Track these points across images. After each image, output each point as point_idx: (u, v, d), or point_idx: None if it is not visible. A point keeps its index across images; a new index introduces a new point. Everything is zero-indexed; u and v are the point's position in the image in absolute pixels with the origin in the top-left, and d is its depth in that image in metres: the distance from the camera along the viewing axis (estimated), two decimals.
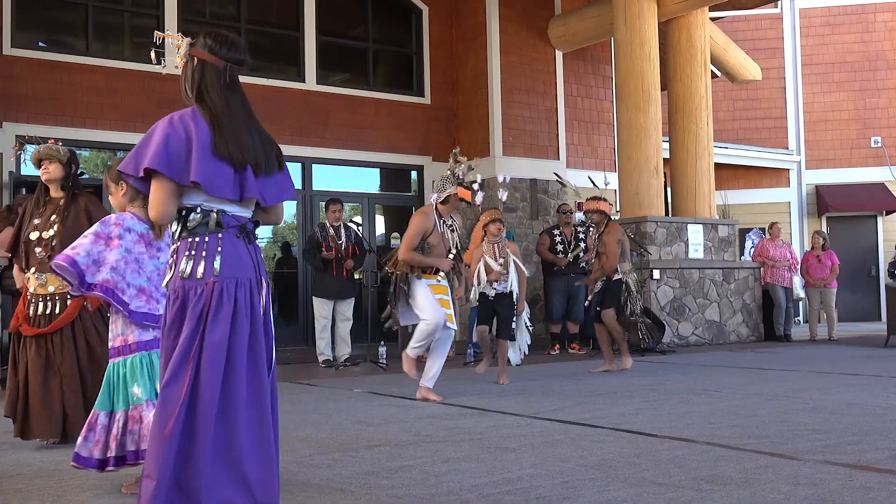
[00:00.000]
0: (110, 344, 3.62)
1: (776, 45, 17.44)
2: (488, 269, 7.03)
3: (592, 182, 8.45)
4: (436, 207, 6.39)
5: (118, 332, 3.60)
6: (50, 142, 4.87)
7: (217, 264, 2.64)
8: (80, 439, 3.53)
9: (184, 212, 2.68)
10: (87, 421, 3.57)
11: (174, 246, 2.72)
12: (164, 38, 2.89)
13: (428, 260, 6.23)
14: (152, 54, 2.92)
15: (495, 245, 7.04)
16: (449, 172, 6.49)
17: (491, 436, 4.67)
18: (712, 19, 14.01)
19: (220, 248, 2.66)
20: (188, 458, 2.52)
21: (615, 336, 8.11)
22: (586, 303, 8.35)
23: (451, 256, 6.33)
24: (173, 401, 2.54)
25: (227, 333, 2.59)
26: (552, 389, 6.75)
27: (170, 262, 2.73)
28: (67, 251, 3.55)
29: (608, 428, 4.84)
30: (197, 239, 2.66)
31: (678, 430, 4.70)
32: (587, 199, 8.17)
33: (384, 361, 8.87)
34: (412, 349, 6.29)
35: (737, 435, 4.52)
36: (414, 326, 6.40)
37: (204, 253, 2.65)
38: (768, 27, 17.51)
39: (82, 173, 4.99)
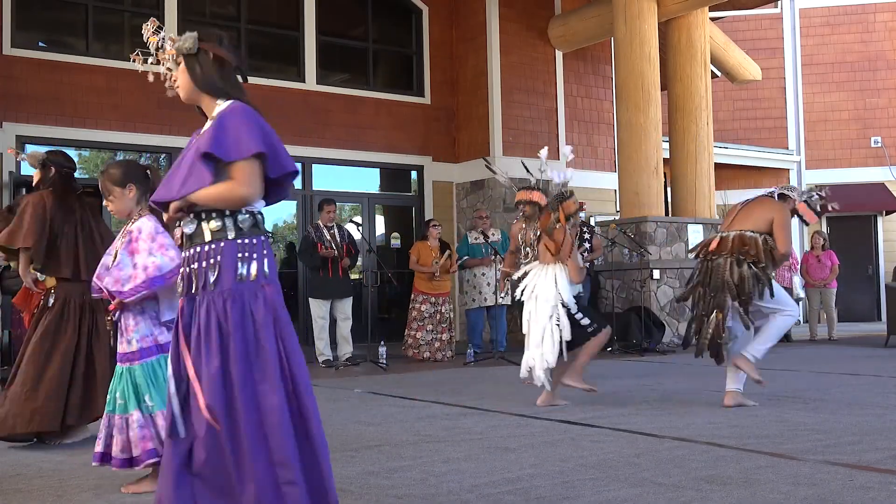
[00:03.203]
0: (138, 345, 3.59)
1: (776, 45, 17.44)
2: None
3: (526, 169, 7.68)
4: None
5: (146, 332, 3.59)
6: (17, 154, 5.03)
7: (267, 267, 2.60)
8: (100, 439, 3.56)
9: (227, 211, 2.60)
10: (103, 423, 3.59)
11: (211, 247, 2.59)
12: (153, 31, 2.85)
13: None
14: (138, 58, 2.86)
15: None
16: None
17: (491, 436, 4.67)
18: (712, 19, 14.01)
19: (265, 251, 2.63)
20: (315, 463, 2.55)
21: None
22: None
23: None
24: (280, 412, 2.49)
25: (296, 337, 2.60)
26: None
27: (204, 264, 2.58)
28: (175, 257, 3.52)
29: (608, 428, 4.84)
30: (247, 240, 2.59)
31: (678, 430, 4.70)
32: (519, 189, 7.14)
33: (384, 361, 8.88)
34: (763, 350, 5.52)
35: (737, 435, 4.52)
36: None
37: (256, 255, 2.59)
38: (768, 27, 17.51)
39: (69, 171, 5.00)
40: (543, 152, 6.49)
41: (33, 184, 4.97)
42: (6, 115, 10.13)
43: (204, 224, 2.60)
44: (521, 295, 5.92)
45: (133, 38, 11.39)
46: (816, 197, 5.86)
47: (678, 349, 10.64)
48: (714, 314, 5.51)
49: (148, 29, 2.80)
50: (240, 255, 2.57)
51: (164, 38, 2.76)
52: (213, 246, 2.58)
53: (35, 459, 4.25)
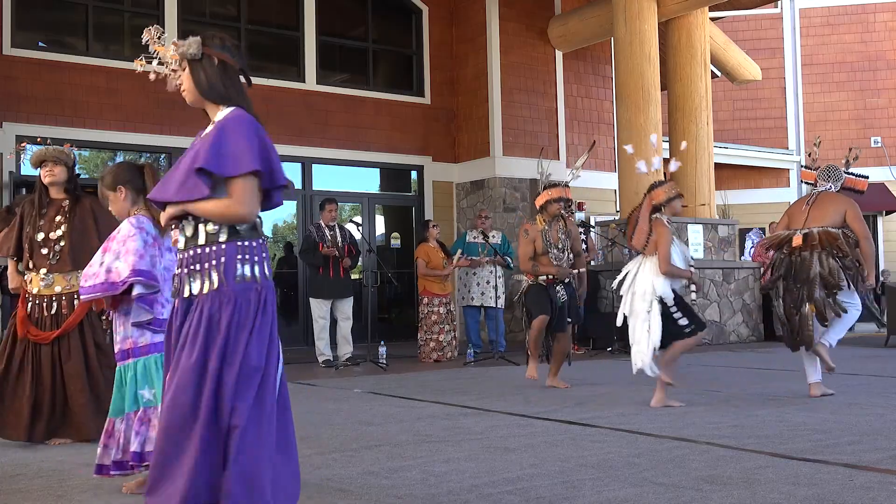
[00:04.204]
0: (118, 347, 3.61)
1: (776, 45, 17.45)
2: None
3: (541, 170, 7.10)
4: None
5: (127, 333, 3.59)
6: (66, 146, 4.90)
7: (266, 269, 2.65)
8: (99, 449, 3.54)
9: None
10: (105, 430, 3.57)
11: (211, 249, 2.61)
12: (155, 36, 2.86)
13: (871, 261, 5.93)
14: (141, 62, 2.87)
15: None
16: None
17: (491, 436, 4.67)
18: (712, 19, 14.02)
19: (264, 255, 2.67)
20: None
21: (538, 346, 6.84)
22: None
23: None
24: (270, 407, 2.57)
25: (276, 337, 2.64)
26: (552, 389, 6.73)
27: (206, 265, 2.60)
28: (133, 265, 3.48)
29: (608, 428, 4.84)
30: (247, 243, 2.63)
31: (678, 430, 4.70)
32: (551, 187, 6.83)
33: (384, 361, 8.87)
34: (836, 339, 5.90)
35: (737, 435, 4.52)
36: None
37: (256, 258, 2.63)
38: (768, 27, 17.52)
39: (79, 174, 5.01)
40: (630, 148, 6.57)
41: (65, 182, 4.77)
42: (6, 115, 10.13)
43: (201, 227, 2.64)
44: (619, 288, 5.93)
45: (133, 38, 11.41)
46: (850, 162, 6.35)
47: None
48: (807, 306, 5.79)
49: (152, 37, 2.81)
50: (239, 257, 2.61)
51: (165, 44, 2.77)
52: (212, 248, 2.61)
53: (35, 459, 4.25)
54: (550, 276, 6.70)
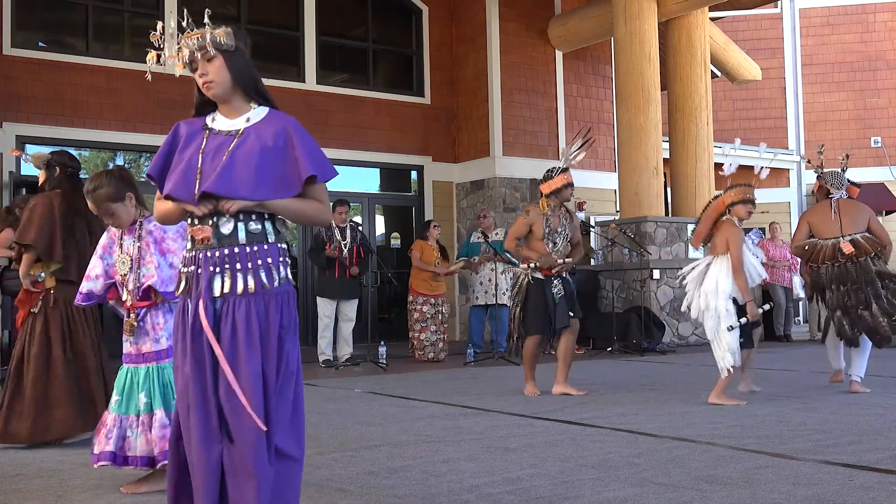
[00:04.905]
0: (162, 345, 3.58)
1: (776, 45, 17.46)
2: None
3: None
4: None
5: (168, 332, 3.57)
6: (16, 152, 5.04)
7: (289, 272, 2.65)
8: (140, 445, 3.51)
9: (266, 215, 2.57)
10: (140, 420, 3.53)
11: (252, 249, 2.52)
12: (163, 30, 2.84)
13: None
14: (151, 55, 2.80)
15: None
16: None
17: (491, 436, 4.67)
18: (712, 19, 14.02)
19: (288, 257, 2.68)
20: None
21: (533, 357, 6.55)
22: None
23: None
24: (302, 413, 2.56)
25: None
26: (552, 389, 6.73)
27: (246, 265, 2.51)
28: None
29: (608, 428, 4.84)
30: (284, 246, 2.63)
31: (678, 430, 4.70)
32: (562, 172, 6.69)
33: (384, 361, 8.88)
34: (865, 367, 6.30)
35: (737, 435, 4.53)
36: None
37: (288, 260, 2.64)
38: (768, 27, 17.53)
39: (75, 171, 4.98)
40: (763, 146, 7.04)
41: (39, 185, 4.95)
42: (6, 115, 10.13)
43: (240, 225, 2.53)
44: (686, 283, 6.01)
45: (133, 38, 11.41)
46: (846, 167, 6.74)
47: (678, 349, 10.64)
48: (874, 304, 6.05)
49: (188, 22, 2.78)
50: (280, 259, 2.58)
51: (202, 33, 2.71)
52: (256, 248, 2.54)
53: (35, 459, 4.25)
54: (547, 268, 6.40)
